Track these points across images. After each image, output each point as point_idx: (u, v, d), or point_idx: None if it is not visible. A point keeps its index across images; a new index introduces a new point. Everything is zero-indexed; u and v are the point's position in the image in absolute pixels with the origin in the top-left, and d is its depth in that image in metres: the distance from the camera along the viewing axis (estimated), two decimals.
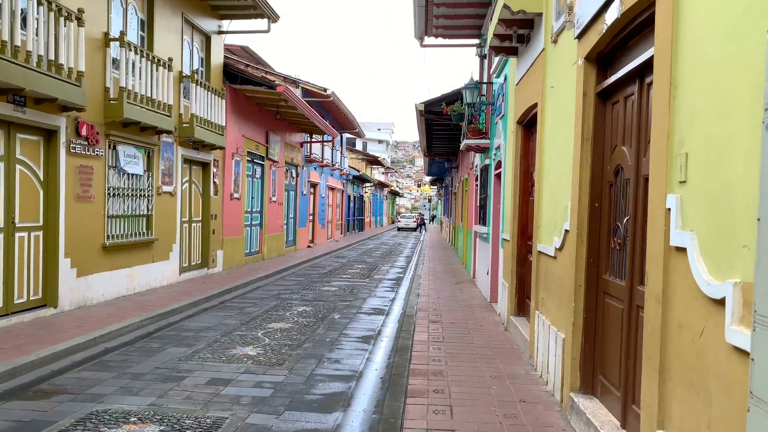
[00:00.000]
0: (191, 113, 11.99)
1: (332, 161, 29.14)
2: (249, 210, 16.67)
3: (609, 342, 4.28)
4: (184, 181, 12.59)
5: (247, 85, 14.48)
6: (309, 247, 24.32)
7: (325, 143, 25.98)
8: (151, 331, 8.04)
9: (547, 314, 5.71)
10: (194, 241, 13.23)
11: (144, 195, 10.80)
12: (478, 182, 12.86)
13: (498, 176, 10.34)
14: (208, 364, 6.42)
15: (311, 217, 25.51)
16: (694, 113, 2.69)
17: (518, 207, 7.86)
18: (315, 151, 24.67)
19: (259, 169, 17.46)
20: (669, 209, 2.85)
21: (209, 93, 12.95)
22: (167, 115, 10.87)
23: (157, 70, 10.53)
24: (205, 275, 13.46)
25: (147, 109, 10.14)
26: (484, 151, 11.76)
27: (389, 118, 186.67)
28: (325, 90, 22.29)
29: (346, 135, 43.49)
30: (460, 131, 17.77)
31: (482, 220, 11.94)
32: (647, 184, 3.63)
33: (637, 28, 3.72)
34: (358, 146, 61.19)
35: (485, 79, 12.10)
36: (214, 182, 13.91)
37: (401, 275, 15.89)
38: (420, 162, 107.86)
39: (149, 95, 10.32)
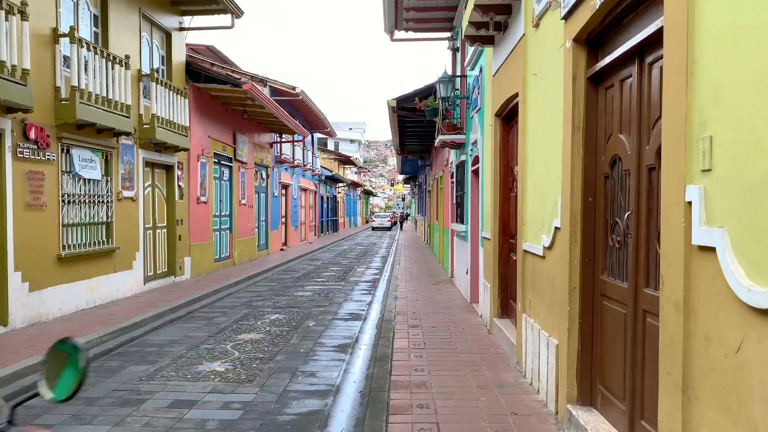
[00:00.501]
0: (152, 114, 11.38)
1: (304, 162, 28.57)
2: (217, 214, 16.07)
3: (609, 349, 3.91)
4: (146, 185, 11.97)
5: (211, 84, 13.89)
6: (282, 250, 23.74)
7: (295, 143, 25.41)
8: (111, 347, 7.46)
9: (536, 317, 5.34)
10: (159, 249, 12.61)
11: (102, 201, 10.16)
12: (454, 179, 12.50)
13: (475, 172, 9.98)
14: (172, 383, 5.89)
15: (283, 220, 24.92)
16: (718, 91, 2.31)
17: (499, 204, 7.49)
18: (285, 151, 24.09)
19: (227, 171, 16.85)
20: (689, 202, 2.47)
21: (171, 92, 12.34)
22: (125, 116, 10.25)
23: (113, 68, 9.91)
24: (172, 284, 12.84)
25: (103, 109, 9.52)
26: (459, 147, 11.40)
27: (361, 118, 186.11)
28: (294, 88, 21.74)
29: (318, 135, 42.90)
30: (433, 128, 17.39)
31: (459, 218, 11.58)
32: (652, 175, 3.27)
33: (635, 1, 3.35)
34: (330, 146, 60.63)
35: (459, 73, 11.73)
36: (179, 186, 13.30)
37: (377, 277, 15.46)
38: (393, 161, 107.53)
39: (105, 95, 9.70)
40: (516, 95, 6.23)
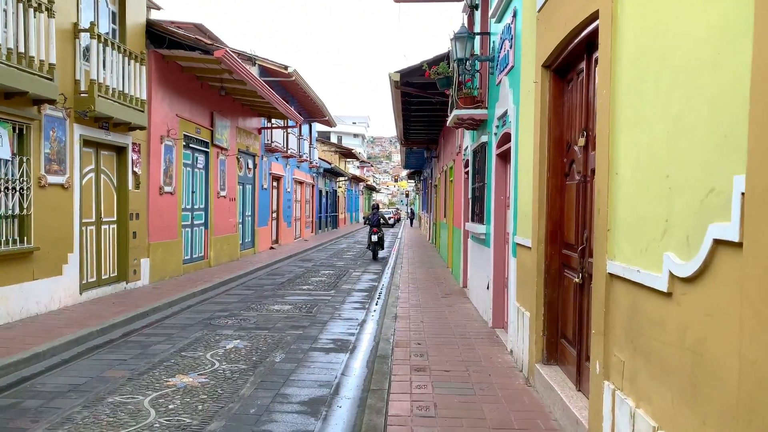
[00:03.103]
0: (91, 79, 9.00)
1: (299, 152, 26.18)
2: (188, 207, 13.69)
3: None
4: (86, 170, 9.61)
5: (176, 50, 11.49)
6: (272, 248, 21.38)
7: (288, 129, 23.00)
8: None
9: (641, 399, 2.96)
10: (106, 249, 10.25)
11: (13, 188, 7.80)
12: (470, 168, 10.09)
13: (503, 156, 7.58)
14: None
15: (274, 215, 22.55)
16: None
17: (547, 197, 5.10)
18: (277, 139, 21.68)
19: (201, 158, 14.46)
20: None
21: (122, 56, 9.97)
22: (47, 78, 7.89)
23: (27, 14, 7.54)
24: (123, 292, 10.48)
25: (6, 64, 7.16)
26: (478, 126, 8.99)
27: (365, 112, 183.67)
28: (286, 68, 19.37)
29: (319, 128, 40.50)
30: (442, 112, 15.02)
31: (477, 216, 9.18)
32: None
33: None
34: (333, 140, 58.23)
35: (479, 30, 9.31)
36: (134, 172, 10.93)
37: (375, 283, 13.08)
38: (397, 157, 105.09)
39: (15, 48, 7.34)
40: (592, 17, 3.84)
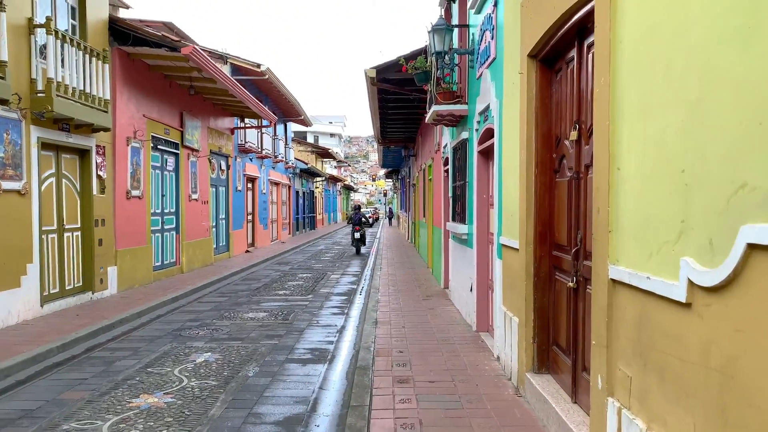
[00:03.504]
0: (48, 78, 8.48)
1: (274, 152, 25.66)
2: (158, 211, 13.16)
3: None
4: (46, 174, 9.08)
5: (141, 48, 10.97)
6: (248, 251, 20.86)
7: (263, 129, 22.49)
8: None
9: (654, 420, 2.63)
10: (69, 258, 9.71)
11: None
12: (450, 166, 9.77)
13: (485, 153, 7.26)
14: None
15: (250, 217, 22.02)
16: None
17: (536, 196, 4.79)
18: (251, 139, 21.15)
19: (171, 160, 13.93)
20: None
21: (84, 54, 9.44)
22: None
23: None
24: (88, 302, 9.95)
25: None
26: (459, 122, 8.67)
27: (342, 112, 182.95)
28: (258, 66, 18.90)
29: (296, 128, 39.92)
30: (419, 110, 14.70)
31: (459, 216, 8.86)
32: None
33: None
34: (310, 140, 57.57)
35: (457, 22, 8.98)
36: (99, 176, 10.40)
37: (354, 287, 12.70)
38: (374, 156, 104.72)
39: None
40: (576, 7, 3.53)
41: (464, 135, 8.09)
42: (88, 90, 9.50)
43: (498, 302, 6.06)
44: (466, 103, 8.08)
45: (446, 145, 10.42)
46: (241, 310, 9.83)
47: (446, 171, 10.78)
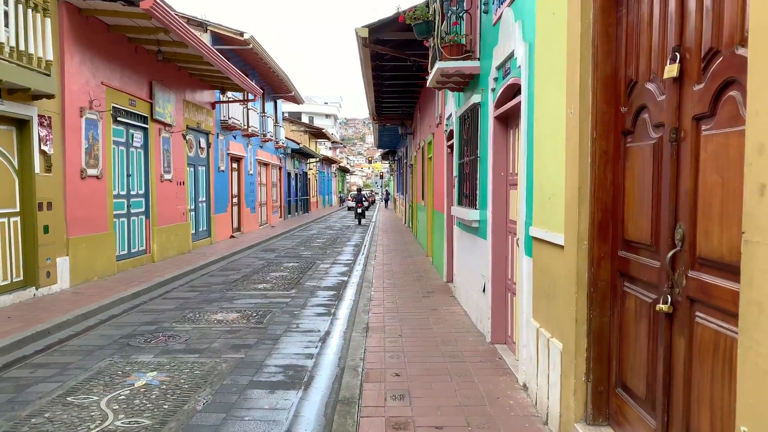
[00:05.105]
0: None
1: (262, 131, 24.04)
2: (122, 193, 11.62)
3: None
4: None
5: (92, 1, 9.34)
6: (233, 237, 19.35)
7: (248, 105, 20.86)
8: None
9: None
10: (4, 248, 8.21)
11: None
12: (455, 140, 8.23)
13: (503, 119, 5.74)
14: None
15: (235, 200, 20.48)
16: None
17: (593, 170, 3.30)
18: (236, 115, 19.53)
19: (139, 135, 12.35)
20: None
21: (16, 5, 7.86)
22: None
23: None
24: (30, 300, 8.46)
25: None
26: (467, 84, 7.14)
27: (338, 93, 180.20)
28: (241, 34, 17.25)
29: (288, 106, 38.21)
30: (418, 80, 13.13)
31: (466, 198, 7.35)
32: None
33: None
34: (305, 120, 55.74)
35: None
36: (43, 151, 8.84)
37: (344, 279, 11.23)
38: (370, 138, 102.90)
39: None
40: None
41: (475, 99, 6.56)
42: (22, 48, 7.92)
43: (525, 313, 4.59)
44: (478, 59, 6.53)
45: (450, 115, 8.88)
46: (210, 309, 8.35)
47: (450, 146, 9.26)
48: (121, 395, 4.86)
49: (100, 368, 5.63)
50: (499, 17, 5.46)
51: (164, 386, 5.08)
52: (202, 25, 17.07)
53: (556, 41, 3.78)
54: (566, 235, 3.54)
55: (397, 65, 11.97)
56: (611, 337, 3.31)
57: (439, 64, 6.54)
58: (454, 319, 7.16)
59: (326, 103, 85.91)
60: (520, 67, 4.71)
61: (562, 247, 3.63)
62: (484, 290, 6.25)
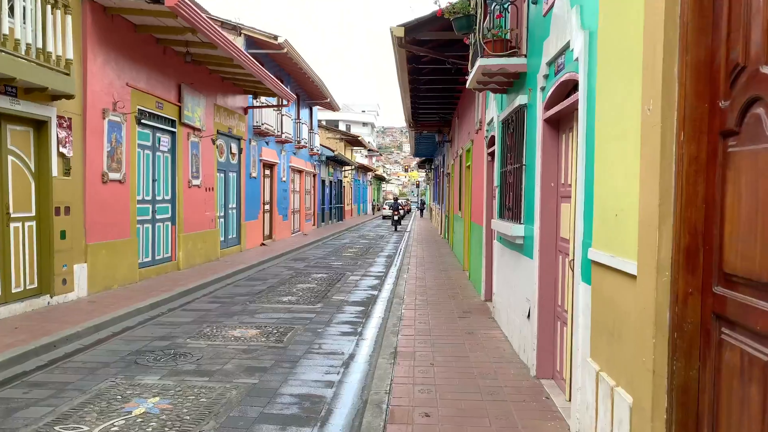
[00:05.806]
0: None
1: (297, 137, 23.66)
2: (147, 198, 11.25)
3: None
4: None
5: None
6: (263, 245, 18.94)
7: (282, 110, 20.47)
8: None
9: None
10: (18, 253, 7.84)
11: None
12: (497, 146, 7.53)
13: (553, 122, 5.03)
14: None
15: (267, 207, 20.10)
16: None
17: (679, 182, 2.58)
18: (269, 121, 19.16)
19: (166, 139, 12.00)
20: None
21: (37, 2, 7.52)
22: None
23: None
24: (43, 309, 8.07)
25: None
26: (511, 84, 6.45)
27: (375, 101, 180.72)
28: (275, 38, 16.88)
29: (324, 114, 37.93)
30: (456, 84, 12.47)
31: (509, 211, 6.63)
32: None
33: None
34: (342, 128, 55.53)
35: None
36: (62, 154, 8.49)
37: (374, 292, 10.59)
38: (407, 147, 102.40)
39: None
40: None
41: (520, 101, 5.86)
42: (40, 45, 7.57)
43: (580, 349, 3.86)
44: (524, 55, 5.84)
45: (491, 120, 8.19)
46: (229, 324, 7.81)
47: (490, 154, 8.55)
48: (114, 426, 4.30)
49: (99, 390, 5.10)
50: (551, 5, 4.76)
51: (164, 416, 4.51)
52: (235, 28, 16.77)
53: (627, 23, 3.07)
54: (640, 263, 2.83)
55: (435, 68, 11.34)
56: (701, 397, 2.58)
57: (480, 62, 5.87)
58: (493, 345, 6.44)
59: (364, 111, 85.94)
60: (577, 59, 4.01)
61: (633, 276, 2.91)
62: (528, 316, 5.52)
